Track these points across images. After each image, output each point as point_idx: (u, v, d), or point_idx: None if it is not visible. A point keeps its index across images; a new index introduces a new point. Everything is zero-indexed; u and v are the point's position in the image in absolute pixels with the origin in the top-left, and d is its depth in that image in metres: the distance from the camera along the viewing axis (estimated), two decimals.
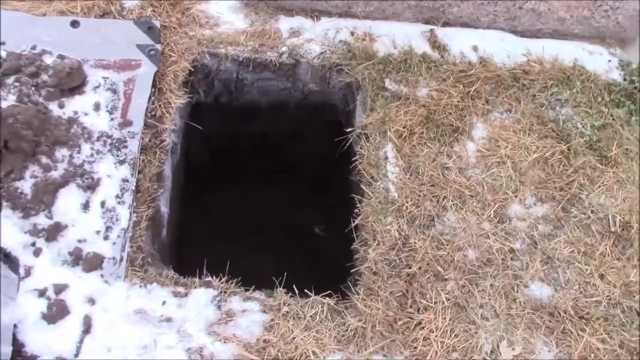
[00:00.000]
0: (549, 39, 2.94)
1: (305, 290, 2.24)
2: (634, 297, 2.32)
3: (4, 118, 2.14)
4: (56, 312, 1.99)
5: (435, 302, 2.23)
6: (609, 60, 2.91)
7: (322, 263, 3.62)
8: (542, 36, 2.93)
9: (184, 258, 3.08)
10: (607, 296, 2.32)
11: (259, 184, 3.64)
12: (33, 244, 2.09)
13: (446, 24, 2.87)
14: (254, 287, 2.22)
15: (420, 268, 2.29)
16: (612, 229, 2.46)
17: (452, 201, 2.45)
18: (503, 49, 2.85)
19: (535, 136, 2.64)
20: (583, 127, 2.70)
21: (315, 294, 2.24)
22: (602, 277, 2.36)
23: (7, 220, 2.09)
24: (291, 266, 3.55)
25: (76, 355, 1.96)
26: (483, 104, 2.70)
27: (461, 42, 2.84)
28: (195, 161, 3.13)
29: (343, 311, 2.19)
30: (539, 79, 2.78)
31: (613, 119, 2.73)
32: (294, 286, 2.25)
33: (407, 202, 2.42)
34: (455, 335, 2.18)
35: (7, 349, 1.84)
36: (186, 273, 2.29)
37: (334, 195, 3.66)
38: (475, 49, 2.84)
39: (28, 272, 2.04)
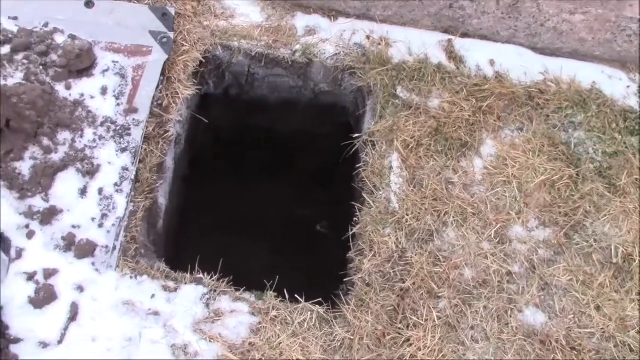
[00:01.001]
0: (569, 59, 2.88)
1: (296, 296, 2.21)
2: (629, 332, 2.28)
3: (8, 97, 2.11)
4: (43, 297, 1.97)
5: (426, 320, 2.20)
6: (628, 86, 2.85)
7: (319, 262, 3.60)
8: (561, 55, 2.87)
9: (181, 247, 3.08)
10: (602, 329, 2.28)
11: (262, 177, 3.61)
12: (27, 226, 2.08)
13: (465, 35, 2.82)
14: (244, 287, 2.20)
15: (414, 283, 2.26)
16: (614, 260, 2.42)
17: (453, 217, 2.42)
18: (520, 65, 2.80)
19: (544, 158, 2.60)
20: (594, 152, 2.65)
21: (308, 297, 2.22)
22: (598, 308, 2.32)
23: (3, 201, 2.08)
24: (287, 262, 3.55)
25: (60, 342, 1.95)
26: (495, 121, 2.65)
27: (478, 55, 2.79)
28: (200, 152, 3.10)
29: (332, 321, 2.17)
30: (555, 99, 2.73)
31: (626, 147, 2.68)
32: (285, 290, 2.22)
33: (407, 215, 2.39)
34: (443, 355, 2.15)
35: None
36: (182, 263, 2.28)
37: (337, 194, 3.63)
38: (492, 63, 2.79)
39: (19, 254, 2.03)
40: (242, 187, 3.56)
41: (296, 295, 2.22)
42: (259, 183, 3.60)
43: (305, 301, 2.20)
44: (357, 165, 2.55)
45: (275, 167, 3.58)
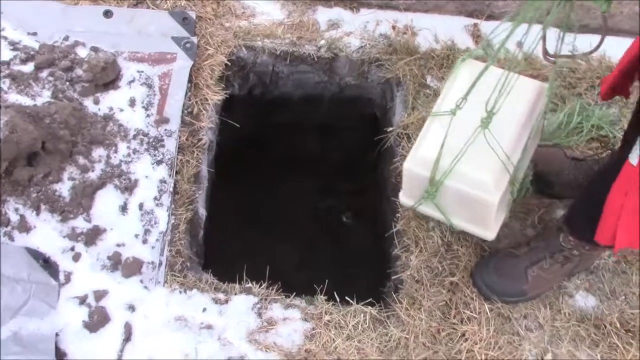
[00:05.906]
0: (594, 34, 2.82)
1: (347, 298, 2.19)
2: None
3: (41, 118, 2.07)
4: (97, 320, 1.95)
5: (479, 313, 2.18)
6: None
7: (349, 254, 3.58)
8: (589, 31, 2.81)
9: (208, 252, 3.04)
10: None
11: (284, 174, 3.57)
12: (72, 249, 2.05)
13: (490, 17, 2.77)
14: (294, 293, 2.18)
15: (463, 277, 2.23)
16: None
17: None
18: (548, 45, 2.74)
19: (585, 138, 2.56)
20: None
21: (348, 293, 2.19)
22: None
23: (46, 224, 2.05)
24: (318, 257, 3.53)
25: None
26: None
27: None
28: (222, 152, 3.05)
29: (385, 321, 2.15)
30: (586, 77, 2.68)
31: None
32: (335, 293, 2.20)
33: None
34: (499, 347, 2.13)
35: None
36: (213, 269, 2.25)
37: (360, 184, 3.60)
38: (519, 44, 2.73)
39: (68, 278, 2.00)
40: (264, 183, 3.52)
41: (347, 297, 2.19)
42: (281, 178, 3.55)
43: (352, 299, 2.18)
44: (394, 160, 2.51)
45: (299, 163, 3.53)
